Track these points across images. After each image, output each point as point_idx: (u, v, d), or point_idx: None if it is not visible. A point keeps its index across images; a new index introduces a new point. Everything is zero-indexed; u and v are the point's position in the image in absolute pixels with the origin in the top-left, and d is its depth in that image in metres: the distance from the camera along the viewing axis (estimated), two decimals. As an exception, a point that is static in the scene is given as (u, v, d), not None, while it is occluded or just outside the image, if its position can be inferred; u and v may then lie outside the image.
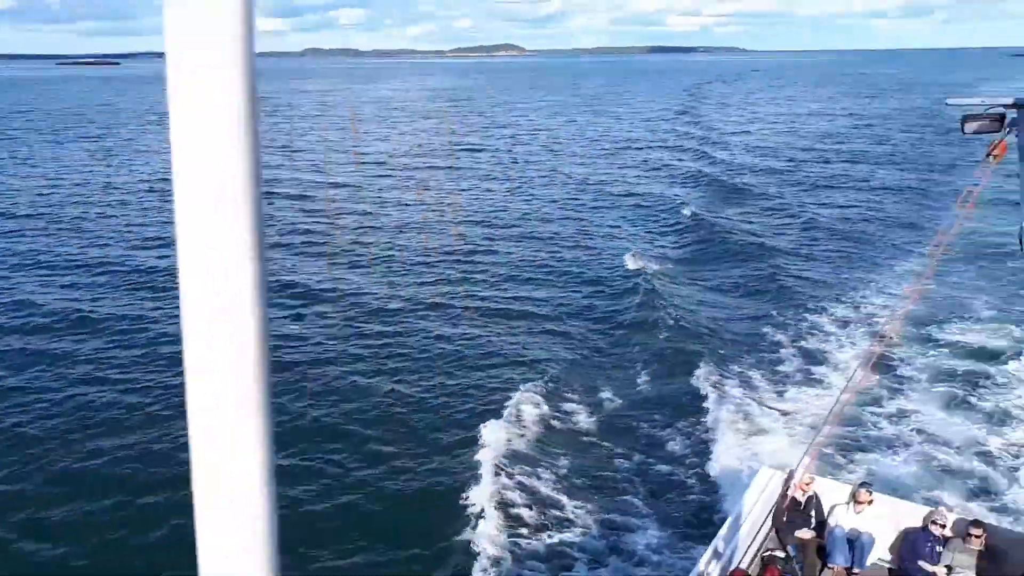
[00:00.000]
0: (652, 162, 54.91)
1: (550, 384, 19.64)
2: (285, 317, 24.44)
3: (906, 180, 46.06)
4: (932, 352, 20.92)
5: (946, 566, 9.38)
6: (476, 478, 15.38)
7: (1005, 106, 5.62)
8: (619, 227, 36.15)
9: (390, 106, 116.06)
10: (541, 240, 33.94)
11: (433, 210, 40.42)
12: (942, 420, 17.60)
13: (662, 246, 32.88)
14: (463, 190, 46.11)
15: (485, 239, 34.24)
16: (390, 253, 32.18)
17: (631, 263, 29.24)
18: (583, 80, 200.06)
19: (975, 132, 5.74)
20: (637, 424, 17.87)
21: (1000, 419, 17.43)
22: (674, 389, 19.41)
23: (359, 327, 23.79)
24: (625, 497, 14.90)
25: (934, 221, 33.74)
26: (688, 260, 30.87)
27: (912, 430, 17.18)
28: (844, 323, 23.26)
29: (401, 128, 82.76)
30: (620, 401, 18.99)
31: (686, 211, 37.73)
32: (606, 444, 16.96)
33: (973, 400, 18.30)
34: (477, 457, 16.21)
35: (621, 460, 16.31)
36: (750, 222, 36.48)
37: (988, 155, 5.89)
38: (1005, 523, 13.13)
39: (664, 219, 37.34)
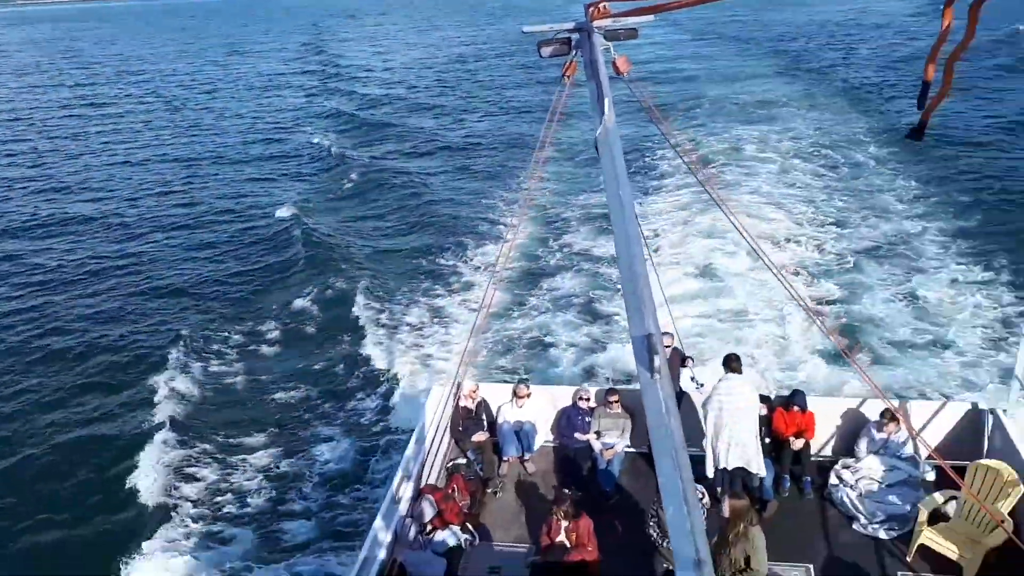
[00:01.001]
0: (295, 104, 54.59)
1: (210, 344, 19.27)
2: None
3: (527, 98, 50.94)
4: (568, 212, 26.80)
5: (595, 432, 10.77)
6: (142, 453, 14.85)
7: (569, 31, 6.17)
8: (272, 172, 36.44)
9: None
10: (198, 192, 33.57)
11: (80, 167, 38.91)
12: (595, 246, 23.41)
13: (315, 187, 33.70)
14: (106, 146, 44.18)
15: (137, 194, 33.50)
16: (38, 217, 31.10)
17: (283, 209, 29.58)
18: (195, 22, 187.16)
19: (551, 56, 6.24)
20: (312, 369, 18.09)
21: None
22: (341, 326, 19.90)
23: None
24: (315, 442, 15.09)
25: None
26: (341, 198, 32.07)
27: (574, 256, 23.07)
28: (491, 224, 26.50)
29: (10, 85, 73.78)
30: (291, 350, 19.16)
31: (335, 149, 38.99)
32: (285, 395, 17.03)
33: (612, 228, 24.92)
34: (142, 426, 15.86)
35: (303, 407, 16.49)
36: (394, 153, 38.69)
37: (563, 75, 6.39)
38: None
39: (315, 159, 38.48)
